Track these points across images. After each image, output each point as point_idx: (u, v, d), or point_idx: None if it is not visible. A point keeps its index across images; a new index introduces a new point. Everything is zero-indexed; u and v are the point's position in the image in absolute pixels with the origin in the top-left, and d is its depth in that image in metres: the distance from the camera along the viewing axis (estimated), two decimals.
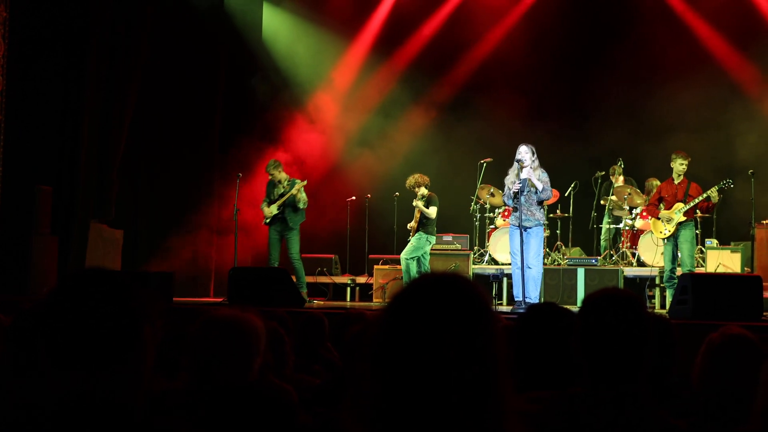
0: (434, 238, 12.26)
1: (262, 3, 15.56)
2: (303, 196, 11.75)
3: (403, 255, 11.99)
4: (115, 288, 1.88)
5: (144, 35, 13.14)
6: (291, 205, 11.78)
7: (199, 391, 2.96)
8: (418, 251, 12.00)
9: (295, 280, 11.45)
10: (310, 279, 12.51)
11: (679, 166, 10.86)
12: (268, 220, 11.87)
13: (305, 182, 11.84)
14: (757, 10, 14.34)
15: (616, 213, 13.76)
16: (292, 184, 11.75)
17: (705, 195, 10.62)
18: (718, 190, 10.69)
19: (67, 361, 1.80)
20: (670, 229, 10.78)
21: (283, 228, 11.86)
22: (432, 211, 11.92)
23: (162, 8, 13.56)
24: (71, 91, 12.24)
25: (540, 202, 10.50)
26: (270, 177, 11.97)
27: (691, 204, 10.66)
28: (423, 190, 12.04)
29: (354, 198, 14.52)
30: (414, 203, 12.03)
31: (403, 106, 15.69)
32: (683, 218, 10.72)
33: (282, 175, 11.85)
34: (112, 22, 12.83)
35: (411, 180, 12.12)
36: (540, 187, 10.28)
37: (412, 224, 12.14)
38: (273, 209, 11.78)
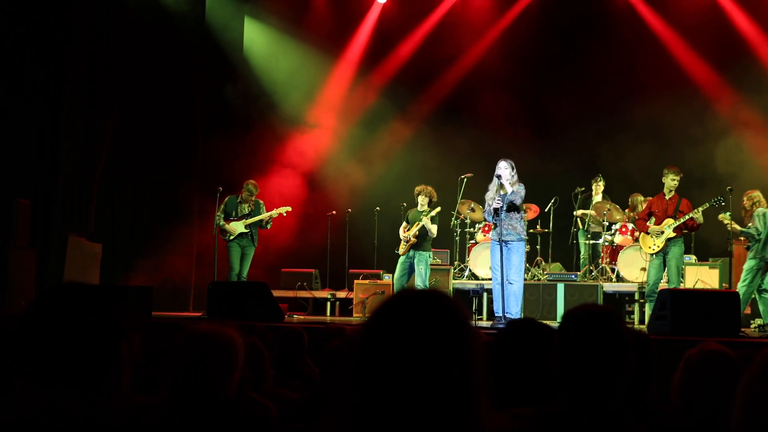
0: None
1: (244, 17, 15.56)
2: (271, 222, 12.18)
3: (422, 283, 11.60)
4: (92, 304, 1.86)
5: (122, 50, 13.13)
6: (258, 224, 12.13)
7: (177, 407, 2.94)
8: (428, 270, 11.92)
9: None
10: (290, 293, 12.48)
11: (671, 181, 10.82)
12: (232, 237, 11.99)
13: (289, 209, 12.22)
14: (736, 30, 14.54)
15: (594, 229, 13.81)
16: (257, 205, 12.12)
17: (691, 215, 10.62)
18: (702, 212, 10.72)
19: (43, 378, 1.79)
20: (659, 244, 10.73)
21: (247, 244, 12.11)
22: (435, 229, 11.82)
23: (143, 22, 13.56)
24: (51, 105, 12.19)
25: (519, 212, 10.45)
26: (245, 194, 12.13)
27: (680, 221, 10.64)
28: (427, 205, 11.89)
29: (334, 212, 14.52)
30: (422, 218, 11.71)
31: (384, 120, 15.72)
32: (673, 234, 10.69)
33: (253, 198, 12.17)
34: (92, 38, 12.81)
35: (427, 189, 11.96)
36: (509, 189, 10.27)
37: (413, 239, 11.80)
38: (240, 227, 12.01)
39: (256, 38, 15.69)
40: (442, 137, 15.05)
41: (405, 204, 13.05)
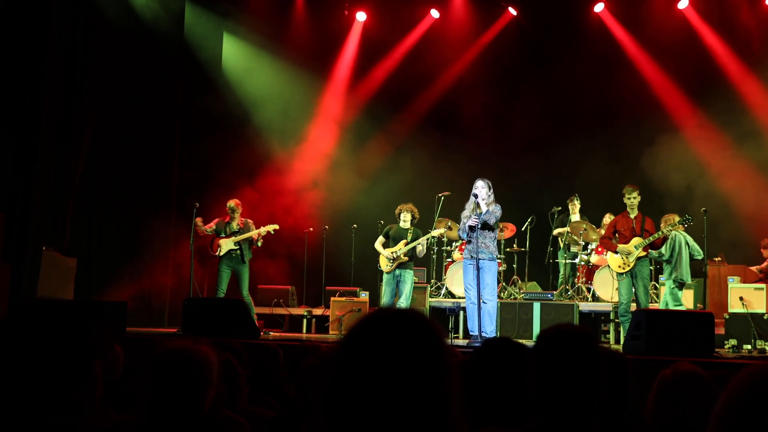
0: None
1: (222, 33, 15.55)
2: (261, 239, 12.19)
3: (406, 302, 11.49)
4: (65, 321, 1.85)
5: (100, 66, 13.11)
6: (248, 241, 12.09)
7: (151, 424, 2.92)
8: (412, 289, 11.81)
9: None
10: (266, 310, 12.44)
11: (633, 200, 10.82)
12: (222, 253, 11.93)
13: (276, 227, 12.24)
14: (708, 52, 14.75)
15: (573, 249, 13.85)
16: (246, 224, 12.18)
17: (658, 234, 10.59)
18: (679, 223, 10.70)
19: (14, 395, 1.77)
20: (629, 263, 10.67)
21: (237, 262, 12.08)
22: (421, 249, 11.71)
23: (121, 37, 13.54)
24: (27, 121, 12.13)
25: (493, 231, 10.48)
26: (230, 213, 12.18)
27: (648, 240, 10.61)
28: (410, 223, 11.79)
29: (311, 229, 14.50)
30: (423, 239, 11.58)
31: (363, 138, 15.75)
32: (643, 253, 10.68)
33: (236, 215, 12.22)
34: (69, 53, 12.78)
35: (408, 207, 11.84)
36: (484, 208, 10.31)
37: (402, 258, 11.57)
38: (230, 243, 12.01)
39: (235, 54, 15.68)
40: (419, 156, 15.08)
41: (382, 221, 13.04)
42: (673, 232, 11.01)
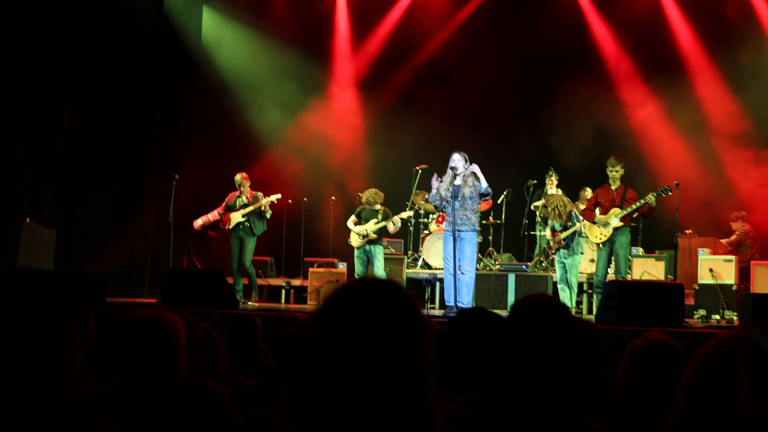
0: None
1: (202, 6, 15.39)
2: (269, 209, 12.25)
3: (380, 273, 12.03)
4: (43, 290, 1.83)
5: (79, 40, 12.97)
6: (257, 214, 12.16)
7: (126, 392, 2.91)
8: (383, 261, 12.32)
9: (247, 283, 12.27)
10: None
11: (616, 172, 10.87)
12: (231, 226, 12.06)
13: (279, 196, 12.38)
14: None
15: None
16: (256, 197, 12.21)
17: (643, 201, 10.62)
18: (656, 196, 10.73)
19: None
20: (606, 234, 10.71)
21: (245, 233, 12.15)
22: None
23: (101, 12, 13.41)
24: (7, 92, 12.01)
25: (478, 202, 10.56)
26: (240, 189, 12.23)
27: (629, 209, 10.65)
28: (380, 206, 12.23)
29: (290, 201, 14.46)
30: (393, 220, 12.06)
31: (344, 112, 15.70)
32: (620, 224, 10.69)
33: (247, 189, 12.27)
34: (48, 26, 12.65)
35: (376, 197, 12.24)
36: (485, 183, 10.38)
37: (371, 235, 12.11)
38: (238, 216, 12.11)
39: (215, 27, 15.53)
40: (397, 128, 15.03)
41: (360, 194, 13.04)
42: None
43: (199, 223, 12.49)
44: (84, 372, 1.99)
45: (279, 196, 12.38)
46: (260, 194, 12.29)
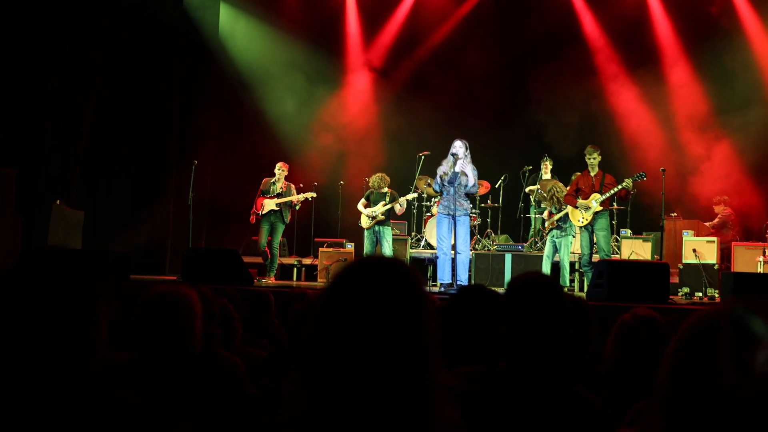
0: None
1: (219, 1, 15.35)
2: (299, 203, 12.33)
3: (389, 252, 12.06)
4: (72, 267, 1.84)
5: (103, 31, 12.94)
6: (288, 204, 12.20)
7: (147, 362, 2.93)
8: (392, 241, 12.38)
9: (270, 261, 12.22)
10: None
11: (593, 159, 10.91)
12: (264, 212, 12.09)
13: (314, 194, 12.49)
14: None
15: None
16: (289, 188, 12.23)
17: (621, 186, 10.64)
18: (633, 181, 10.75)
19: (23, 336, 1.76)
20: (587, 217, 10.76)
21: (276, 220, 12.14)
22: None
23: (123, 2, 13.39)
24: (35, 79, 12.00)
25: (468, 194, 10.57)
26: (277, 175, 12.20)
27: (608, 194, 10.68)
28: (387, 189, 12.28)
29: (302, 185, 14.44)
30: (399, 201, 12.13)
31: (354, 101, 15.69)
32: (600, 208, 10.71)
33: (282, 178, 12.24)
34: (73, 19, 12.61)
35: (382, 181, 12.27)
36: (471, 181, 10.32)
37: (380, 216, 12.16)
38: (271, 204, 12.10)
39: (232, 21, 15.50)
40: (402, 118, 15.00)
41: (367, 179, 13.03)
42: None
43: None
44: (108, 344, 2.00)
45: (314, 194, 12.44)
46: (293, 186, 12.28)
